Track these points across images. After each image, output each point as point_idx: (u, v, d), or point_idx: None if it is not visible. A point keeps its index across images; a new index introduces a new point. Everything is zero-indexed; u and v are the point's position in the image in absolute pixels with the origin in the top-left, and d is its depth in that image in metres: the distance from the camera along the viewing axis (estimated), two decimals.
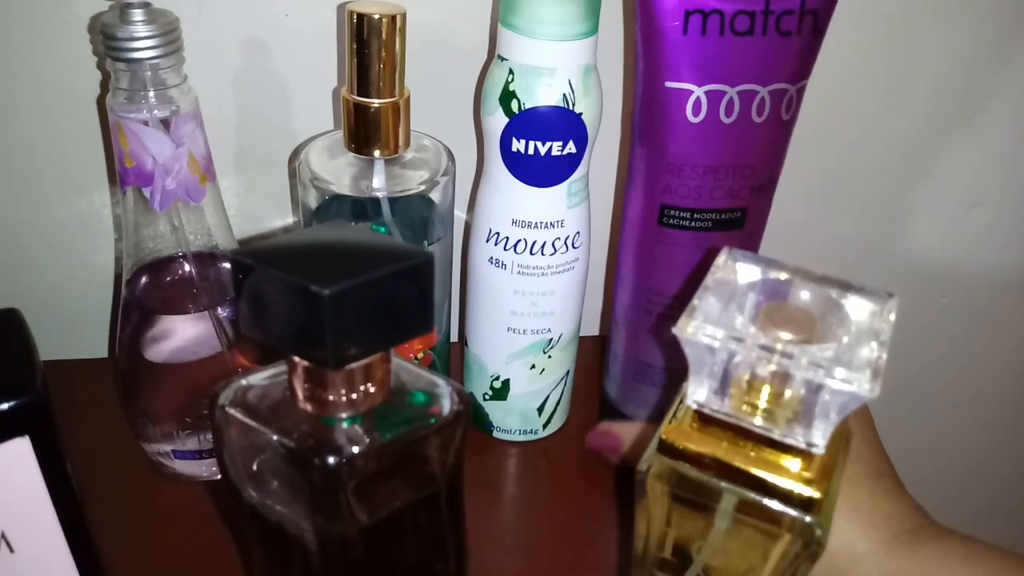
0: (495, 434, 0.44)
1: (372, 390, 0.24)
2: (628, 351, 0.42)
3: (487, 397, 0.43)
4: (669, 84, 0.34)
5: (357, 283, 0.21)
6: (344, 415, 0.24)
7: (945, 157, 0.52)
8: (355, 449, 0.23)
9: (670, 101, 0.35)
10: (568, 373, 0.43)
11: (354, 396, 0.24)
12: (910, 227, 0.55)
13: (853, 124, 0.50)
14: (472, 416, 0.44)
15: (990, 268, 0.57)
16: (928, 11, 0.47)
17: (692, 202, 0.36)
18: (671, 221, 0.37)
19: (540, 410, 0.43)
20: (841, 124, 0.49)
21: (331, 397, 0.23)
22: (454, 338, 0.48)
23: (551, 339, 0.41)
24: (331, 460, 0.23)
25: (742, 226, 0.37)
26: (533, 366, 0.41)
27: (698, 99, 0.34)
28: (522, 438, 0.44)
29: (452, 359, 0.45)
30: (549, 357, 0.41)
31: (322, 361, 0.22)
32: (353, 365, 0.23)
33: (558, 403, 0.43)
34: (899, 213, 0.54)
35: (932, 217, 0.55)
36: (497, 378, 0.42)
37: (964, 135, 0.51)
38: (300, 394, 0.24)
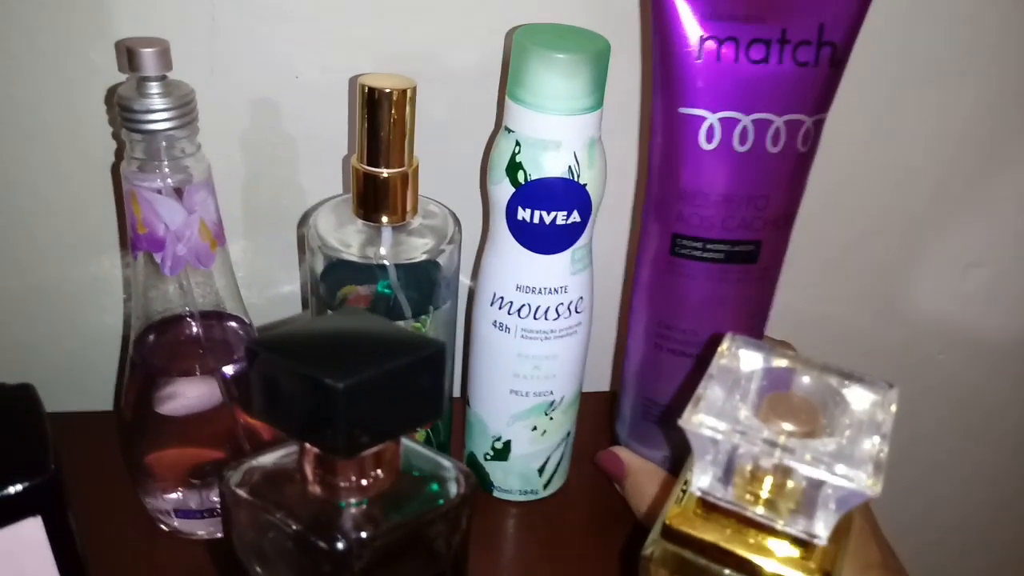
0: (495, 494, 0.44)
1: (381, 475, 0.24)
2: (639, 388, 0.42)
3: (488, 457, 0.43)
4: (683, 110, 0.35)
5: (370, 376, 0.22)
6: (353, 499, 0.24)
7: (942, 218, 0.53)
8: (363, 534, 0.24)
9: (684, 127, 0.35)
10: (569, 434, 0.43)
11: (364, 482, 0.24)
12: (907, 286, 0.56)
13: (849, 185, 0.50)
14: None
15: (987, 327, 0.58)
16: (926, 75, 0.47)
17: (705, 232, 0.36)
18: (683, 251, 0.37)
19: (541, 471, 0.43)
20: (838, 185, 0.50)
21: (341, 483, 0.24)
22: (456, 393, 0.48)
23: (553, 401, 0.41)
24: (340, 545, 0.23)
25: (756, 260, 0.37)
26: (535, 428, 0.42)
27: (711, 126, 0.34)
28: (522, 498, 0.44)
29: (454, 417, 0.45)
30: (551, 419, 0.42)
31: (334, 450, 0.23)
32: (364, 453, 0.23)
33: (559, 464, 0.44)
34: (896, 271, 0.55)
35: (929, 276, 0.55)
36: (499, 439, 0.42)
37: (961, 197, 0.52)
38: (310, 477, 0.24)
